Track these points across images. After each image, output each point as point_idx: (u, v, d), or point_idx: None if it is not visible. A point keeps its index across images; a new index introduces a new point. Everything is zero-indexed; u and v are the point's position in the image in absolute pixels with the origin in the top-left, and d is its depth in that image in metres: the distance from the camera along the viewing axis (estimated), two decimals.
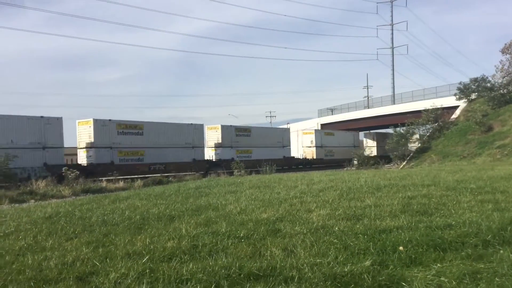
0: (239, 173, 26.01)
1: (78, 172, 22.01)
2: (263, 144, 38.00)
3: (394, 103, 62.84)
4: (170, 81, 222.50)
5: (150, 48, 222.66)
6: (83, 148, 27.77)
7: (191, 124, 33.17)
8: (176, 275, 4.37)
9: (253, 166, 29.76)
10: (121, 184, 21.53)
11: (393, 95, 68.03)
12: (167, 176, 26.77)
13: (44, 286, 4.31)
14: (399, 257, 4.70)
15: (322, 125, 65.51)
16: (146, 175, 27.14)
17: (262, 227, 6.36)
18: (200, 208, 8.59)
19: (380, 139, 50.94)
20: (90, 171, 25.97)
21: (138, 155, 29.71)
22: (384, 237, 5.45)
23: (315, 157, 44.03)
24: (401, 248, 4.98)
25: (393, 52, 75.87)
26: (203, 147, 34.29)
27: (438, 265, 4.46)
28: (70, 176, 20.96)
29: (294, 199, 9.14)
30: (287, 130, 44.60)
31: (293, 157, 42.07)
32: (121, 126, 28.87)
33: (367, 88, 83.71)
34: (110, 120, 28.47)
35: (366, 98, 76.03)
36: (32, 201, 16.10)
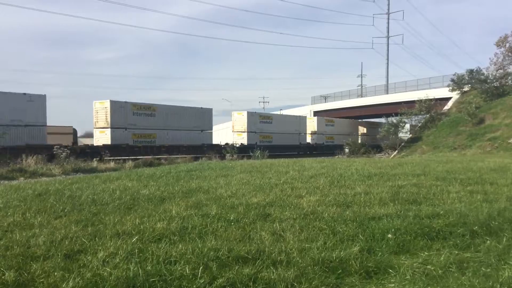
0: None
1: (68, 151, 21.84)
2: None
3: (387, 93, 62.86)
4: (165, 63, 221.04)
5: (146, 29, 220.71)
6: (237, 131, 40.51)
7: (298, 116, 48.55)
8: (165, 255, 4.37)
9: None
10: (111, 164, 21.47)
11: (387, 85, 68.02)
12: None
13: (31, 262, 4.28)
14: (387, 244, 4.74)
15: (315, 112, 65.45)
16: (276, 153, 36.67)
17: (252, 211, 6.37)
18: (191, 191, 8.59)
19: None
20: (243, 149, 35.77)
21: (269, 139, 41.97)
22: (373, 224, 5.49)
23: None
24: (389, 235, 5.02)
25: (388, 41, 75.61)
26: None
27: (426, 253, 4.50)
28: (61, 155, 20.79)
29: (285, 185, 9.16)
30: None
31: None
32: (261, 117, 42.06)
33: (361, 77, 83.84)
34: (255, 112, 42.55)
35: (360, 87, 76.08)
36: (22, 178, 16.00)
